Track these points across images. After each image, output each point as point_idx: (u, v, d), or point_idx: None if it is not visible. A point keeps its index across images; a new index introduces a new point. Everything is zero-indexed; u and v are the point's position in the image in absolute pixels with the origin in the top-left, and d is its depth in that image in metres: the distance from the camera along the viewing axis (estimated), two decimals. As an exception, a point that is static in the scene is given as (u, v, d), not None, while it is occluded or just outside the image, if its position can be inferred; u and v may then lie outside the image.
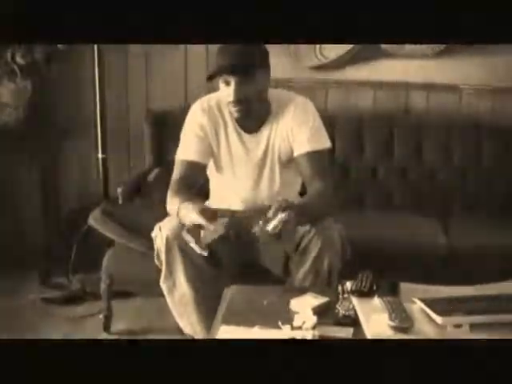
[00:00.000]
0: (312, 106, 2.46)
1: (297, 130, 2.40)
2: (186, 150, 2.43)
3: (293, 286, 2.29)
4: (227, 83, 2.30)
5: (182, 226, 2.20)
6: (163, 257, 2.30)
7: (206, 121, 2.43)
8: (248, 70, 2.28)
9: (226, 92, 2.32)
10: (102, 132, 3.22)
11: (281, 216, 2.02)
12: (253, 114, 2.38)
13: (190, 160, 2.41)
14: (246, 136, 2.45)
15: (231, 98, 2.30)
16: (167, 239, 2.27)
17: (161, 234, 2.30)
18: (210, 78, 2.34)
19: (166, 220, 2.34)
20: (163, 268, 2.33)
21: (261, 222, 2.06)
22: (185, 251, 2.27)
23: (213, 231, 2.14)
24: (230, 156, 2.46)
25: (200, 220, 2.10)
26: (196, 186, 2.42)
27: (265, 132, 2.44)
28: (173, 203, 2.28)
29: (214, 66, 2.31)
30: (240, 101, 2.30)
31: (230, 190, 2.51)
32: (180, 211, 2.21)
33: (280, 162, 2.46)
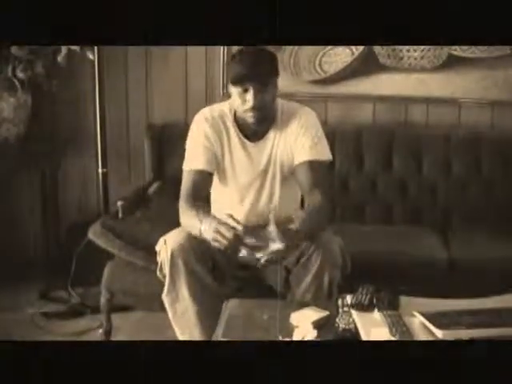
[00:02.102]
0: (316, 117, 2.49)
1: (300, 140, 2.42)
2: (194, 159, 2.44)
3: (293, 300, 2.28)
4: (245, 90, 2.32)
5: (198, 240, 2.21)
6: (167, 270, 2.30)
7: (209, 130, 2.44)
8: (267, 77, 2.33)
9: (241, 99, 2.34)
10: (102, 146, 3.23)
11: (273, 248, 2.03)
12: (265, 121, 2.41)
13: (199, 169, 2.41)
14: (249, 144, 2.46)
15: (250, 105, 2.32)
16: (172, 253, 2.27)
17: (165, 247, 2.31)
18: (230, 82, 2.35)
19: (171, 233, 2.34)
20: (166, 281, 2.32)
21: (244, 251, 2.07)
22: (189, 265, 2.28)
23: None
24: (233, 166, 2.47)
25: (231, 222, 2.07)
26: (206, 194, 2.45)
27: (268, 140, 2.46)
28: (189, 217, 2.26)
29: (233, 72, 2.33)
30: (258, 108, 2.32)
31: (231, 202, 2.51)
32: (204, 227, 2.15)
33: (282, 173, 2.47)
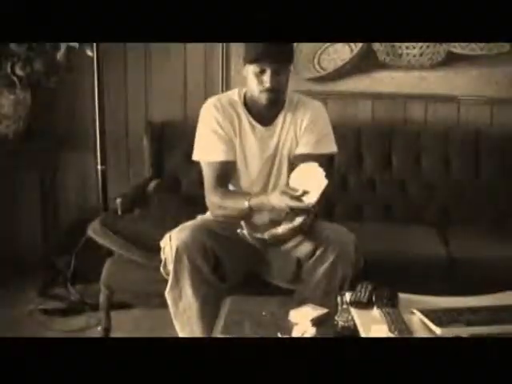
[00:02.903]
0: (325, 111, 2.53)
1: (307, 133, 2.45)
2: (211, 150, 2.45)
3: (303, 294, 2.29)
4: (262, 71, 2.33)
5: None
6: (171, 266, 2.31)
7: (220, 117, 2.45)
8: (284, 59, 2.36)
9: (257, 80, 2.35)
10: (101, 143, 3.22)
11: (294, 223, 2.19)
12: (277, 104, 2.43)
13: (219, 161, 2.44)
14: (260, 128, 2.47)
15: (267, 86, 2.34)
16: (177, 250, 2.27)
17: (170, 243, 2.31)
18: (248, 62, 2.37)
19: (177, 230, 2.34)
20: (170, 278, 2.33)
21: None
22: (193, 262, 2.28)
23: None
24: (244, 150, 2.48)
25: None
26: (229, 182, 2.50)
27: (277, 125, 2.47)
28: (222, 208, 2.38)
29: (251, 52, 2.34)
30: (274, 89, 2.34)
31: (241, 187, 2.52)
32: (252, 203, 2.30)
33: (289, 162, 2.48)
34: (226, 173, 2.45)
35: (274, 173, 2.50)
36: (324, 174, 2.20)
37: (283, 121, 2.47)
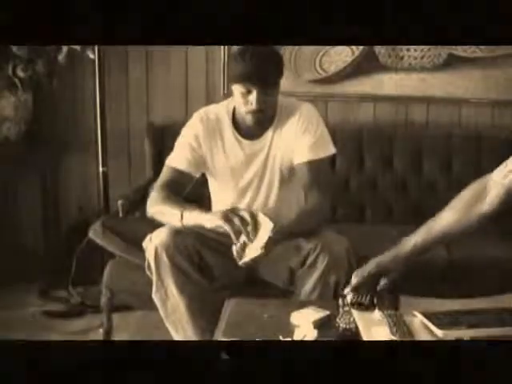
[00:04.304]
0: (316, 112, 2.45)
1: (300, 139, 2.38)
2: (178, 157, 2.44)
3: (298, 300, 2.28)
4: (248, 91, 2.27)
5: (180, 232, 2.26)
6: (153, 267, 2.30)
7: (201, 132, 2.43)
8: (272, 79, 2.29)
9: (243, 99, 2.29)
10: (102, 145, 3.23)
11: (257, 251, 2.10)
12: (266, 122, 2.38)
13: (179, 168, 2.42)
14: (246, 143, 2.43)
15: (253, 108, 2.28)
16: (156, 250, 2.27)
17: (151, 244, 2.31)
18: (233, 81, 2.32)
19: (157, 231, 2.33)
20: (154, 279, 2.32)
21: (235, 248, 2.13)
22: (174, 261, 2.27)
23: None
24: (230, 166, 2.45)
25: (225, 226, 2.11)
26: (182, 194, 2.42)
27: (267, 138, 2.42)
28: (160, 207, 2.31)
29: (236, 71, 2.28)
30: (261, 110, 2.29)
31: (230, 202, 2.50)
32: (185, 217, 2.23)
33: (281, 172, 2.44)
34: (180, 182, 2.41)
35: (265, 187, 2.45)
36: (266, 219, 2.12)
37: (273, 133, 2.41)
